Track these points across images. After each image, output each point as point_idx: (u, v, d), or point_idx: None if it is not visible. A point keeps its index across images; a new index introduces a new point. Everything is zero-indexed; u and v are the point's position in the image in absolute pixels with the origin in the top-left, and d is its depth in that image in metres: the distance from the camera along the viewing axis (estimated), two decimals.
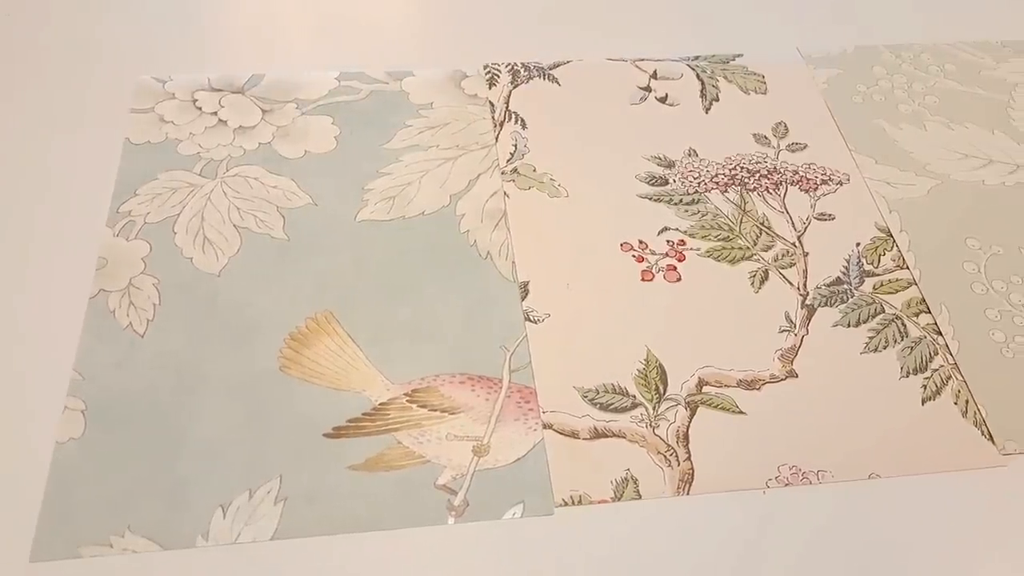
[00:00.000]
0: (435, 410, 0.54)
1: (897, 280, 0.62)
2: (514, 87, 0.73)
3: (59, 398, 0.53)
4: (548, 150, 0.69)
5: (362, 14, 0.80)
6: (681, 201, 0.66)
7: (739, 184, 0.67)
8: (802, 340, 0.59)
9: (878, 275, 0.62)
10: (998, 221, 0.67)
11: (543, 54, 0.77)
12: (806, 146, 0.71)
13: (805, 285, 0.62)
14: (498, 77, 0.74)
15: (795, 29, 0.81)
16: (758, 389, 0.56)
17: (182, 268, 0.59)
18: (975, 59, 0.79)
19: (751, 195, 0.67)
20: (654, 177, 0.67)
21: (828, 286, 0.62)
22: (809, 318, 0.60)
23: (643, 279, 0.61)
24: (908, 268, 0.63)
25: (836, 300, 0.61)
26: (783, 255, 0.63)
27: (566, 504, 0.51)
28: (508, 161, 0.68)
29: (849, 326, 0.60)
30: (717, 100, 0.74)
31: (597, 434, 0.54)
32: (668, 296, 0.61)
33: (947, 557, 0.50)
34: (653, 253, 0.63)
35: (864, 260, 0.63)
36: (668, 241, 0.64)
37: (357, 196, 0.64)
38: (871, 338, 0.59)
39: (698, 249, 0.63)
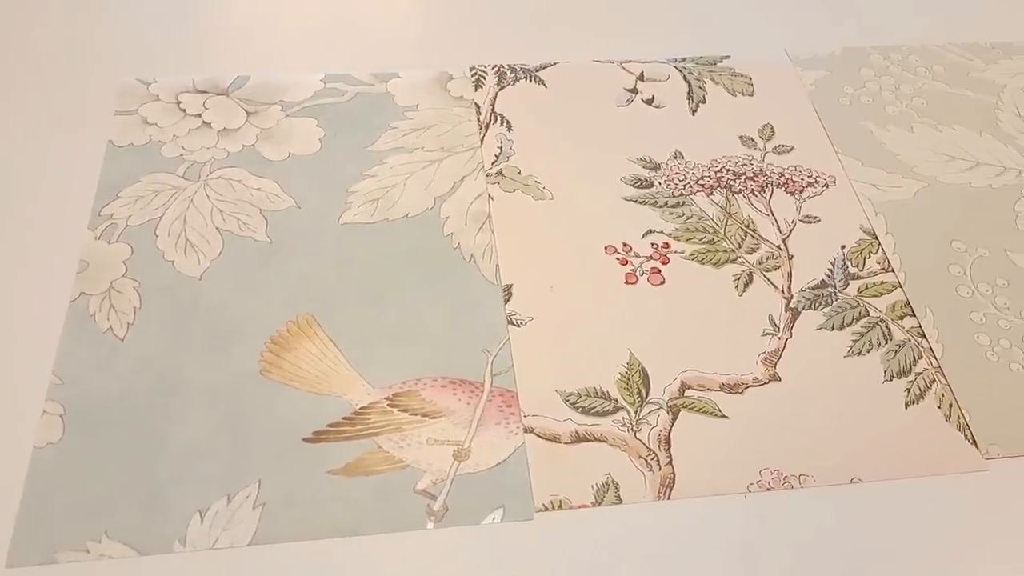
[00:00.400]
0: (416, 414, 0.54)
1: (882, 283, 0.62)
2: (500, 89, 0.73)
3: (38, 402, 0.52)
4: (534, 152, 0.69)
5: (350, 16, 0.80)
6: (666, 204, 0.66)
7: (725, 186, 0.67)
8: (786, 343, 0.58)
9: (863, 278, 0.62)
10: (984, 224, 0.66)
11: (530, 56, 0.76)
12: (792, 148, 0.70)
13: (789, 288, 0.61)
14: (484, 79, 0.74)
15: (784, 31, 0.81)
16: (741, 393, 0.56)
17: (163, 271, 0.59)
18: (964, 61, 0.79)
19: (736, 197, 0.67)
20: (639, 179, 0.67)
21: (812, 289, 0.61)
22: (793, 321, 0.60)
23: (627, 282, 0.61)
24: (893, 271, 0.63)
25: (820, 303, 0.61)
26: (768, 258, 0.63)
27: (546, 509, 0.50)
28: (493, 163, 0.68)
29: (833, 329, 0.59)
30: (704, 102, 0.74)
31: (578, 438, 0.53)
32: (652, 299, 0.60)
33: (930, 562, 0.50)
34: (637, 256, 0.62)
35: (849, 263, 0.63)
36: (653, 244, 0.63)
37: (341, 198, 0.64)
38: (855, 341, 0.59)
39: (682, 252, 0.63)
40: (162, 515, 0.49)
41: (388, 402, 0.54)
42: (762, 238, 0.64)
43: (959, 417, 0.56)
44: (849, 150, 0.71)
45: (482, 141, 0.69)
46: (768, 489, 0.52)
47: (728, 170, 0.68)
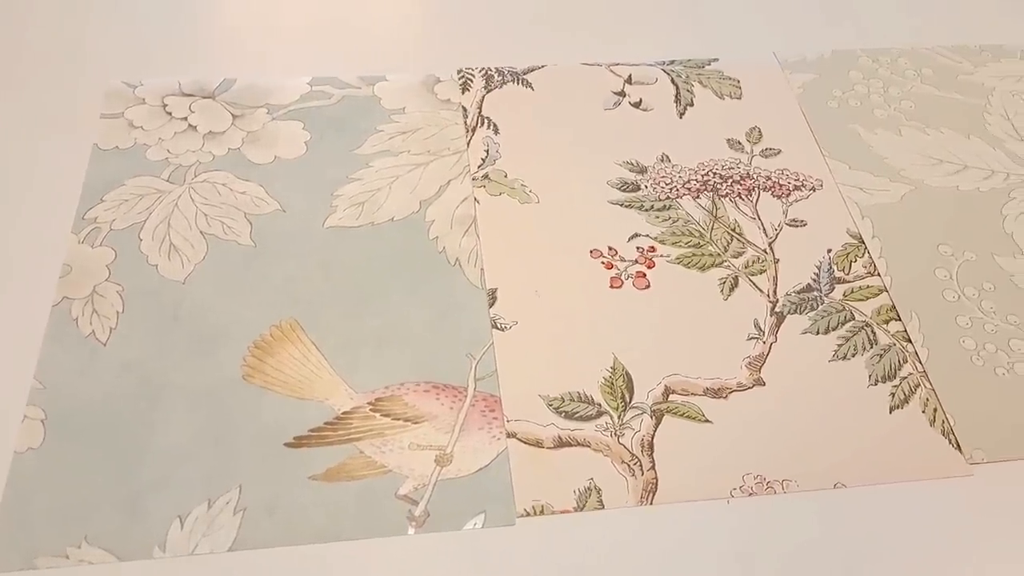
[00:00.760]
0: (398, 419, 0.54)
1: (868, 287, 0.62)
2: (487, 92, 0.73)
3: (19, 407, 0.52)
4: (520, 155, 0.69)
5: (338, 19, 0.79)
6: (652, 207, 0.66)
7: (711, 190, 0.67)
8: (770, 348, 0.58)
9: (849, 282, 0.62)
10: (971, 227, 0.66)
11: (518, 59, 0.76)
12: (780, 151, 0.70)
13: (775, 292, 0.61)
14: (472, 82, 0.74)
15: (773, 34, 0.81)
16: (725, 398, 0.56)
17: (147, 275, 0.59)
18: (953, 63, 0.79)
19: (723, 201, 0.66)
20: (626, 183, 0.67)
21: (798, 293, 0.61)
22: (778, 325, 0.59)
23: (612, 286, 0.61)
24: (879, 275, 0.63)
25: (806, 307, 0.61)
26: (753, 262, 0.63)
27: (528, 514, 0.50)
28: (479, 167, 0.67)
29: (818, 333, 0.59)
30: (692, 105, 0.73)
31: (561, 443, 0.53)
32: (637, 303, 0.60)
33: (914, 567, 0.50)
34: (623, 260, 0.62)
35: (835, 267, 0.63)
36: (638, 248, 0.63)
37: (326, 202, 0.64)
38: (840, 346, 0.59)
39: (668, 256, 0.63)
40: (142, 520, 0.49)
41: (371, 407, 0.54)
42: (748, 242, 0.64)
43: (944, 422, 0.55)
44: (836, 153, 0.70)
45: (468, 144, 0.69)
46: (751, 494, 0.52)
47: (715, 173, 0.68)
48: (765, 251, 0.64)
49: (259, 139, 0.68)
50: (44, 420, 0.52)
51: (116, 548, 0.48)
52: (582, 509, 0.51)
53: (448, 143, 0.69)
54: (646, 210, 0.65)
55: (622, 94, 0.74)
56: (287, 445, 0.52)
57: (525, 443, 0.53)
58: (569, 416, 0.54)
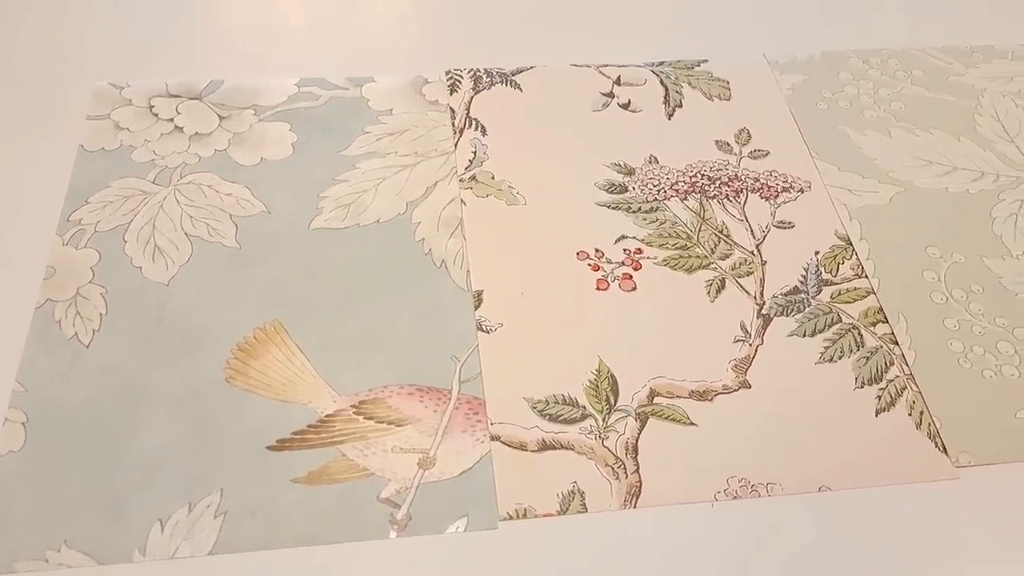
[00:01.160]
0: (382, 422, 0.53)
1: (855, 289, 0.62)
2: (476, 93, 0.73)
3: (0, 410, 0.52)
4: (507, 157, 0.68)
5: (327, 20, 0.79)
6: (640, 209, 0.65)
7: (699, 192, 0.67)
8: (756, 350, 0.58)
9: (836, 284, 0.62)
10: (960, 229, 0.66)
11: (508, 60, 0.76)
12: (768, 153, 0.70)
13: (762, 294, 0.61)
14: (460, 83, 0.73)
15: (763, 35, 0.81)
16: (710, 400, 0.56)
17: (131, 277, 0.59)
18: (944, 65, 0.79)
19: (711, 203, 0.66)
20: (613, 185, 0.67)
21: (785, 295, 0.61)
22: (765, 328, 0.59)
23: (598, 288, 0.61)
24: (867, 277, 0.62)
25: (793, 309, 0.60)
26: (741, 263, 0.63)
27: (511, 518, 0.50)
28: (467, 168, 0.67)
29: (805, 336, 0.59)
30: (680, 106, 0.73)
31: (545, 446, 0.53)
32: (623, 305, 0.60)
33: (899, 571, 0.50)
34: (609, 262, 0.62)
35: (822, 269, 0.63)
36: (625, 250, 0.63)
37: (312, 204, 0.64)
38: (826, 348, 0.58)
39: (655, 258, 0.63)
40: (122, 524, 0.48)
41: (354, 410, 0.54)
42: (735, 243, 0.64)
43: (930, 425, 0.55)
44: (825, 155, 0.70)
45: (456, 146, 0.69)
46: (736, 498, 0.52)
47: (703, 175, 0.68)
48: (752, 253, 0.63)
49: (246, 140, 0.67)
50: (25, 423, 0.52)
51: (96, 552, 0.47)
52: (565, 512, 0.51)
53: (435, 144, 0.69)
54: (633, 212, 0.65)
55: (611, 95, 0.74)
56: (269, 448, 0.52)
57: (509, 446, 0.53)
58: (553, 419, 0.54)
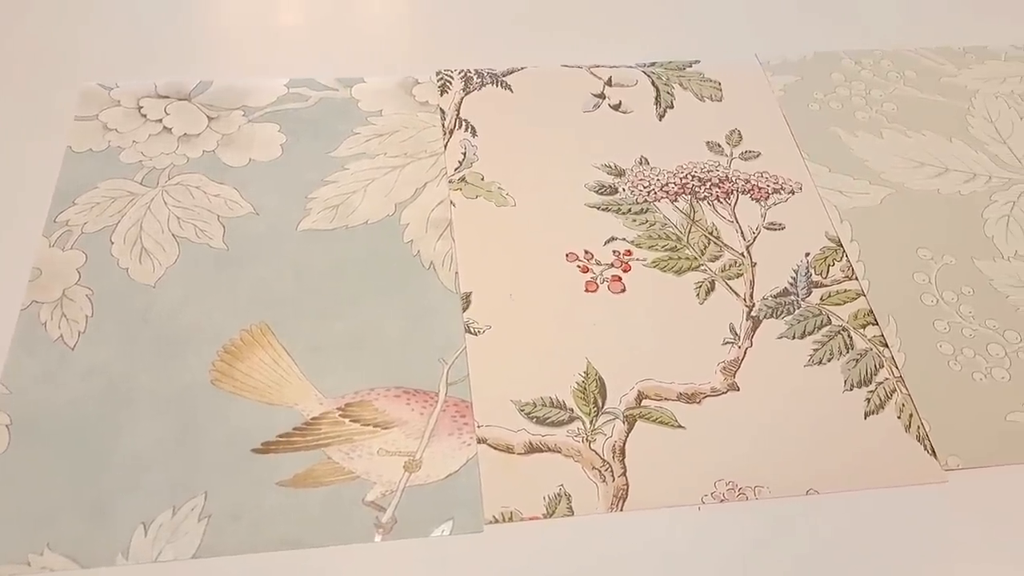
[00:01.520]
0: (368, 425, 0.53)
1: (845, 291, 0.61)
2: (466, 94, 0.73)
3: None
4: (497, 158, 0.68)
5: (319, 21, 0.79)
6: (630, 211, 0.65)
7: (690, 193, 0.67)
8: (745, 352, 0.58)
9: (826, 286, 0.62)
10: (951, 231, 0.66)
11: (500, 60, 0.76)
12: (759, 154, 0.70)
13: (751, 296, 0.61)
14: (450, 84, 0.73)
15: (755, 35, 0.80)
16: (698, 403, 0.55)
17: (117, 279, 0.58)
18: (936, 66, 0.79)
19: (701, 204, 0.66)
20: (603, 186, 0.67)
21: (775, 297, 0.61)
22: (754, 330, 0.59)
23: (587, 290, 0.61)
24: (857, 279, 0.62)
25: (782, 311, 0.60)
26: (730, 265, 0.62)
27: (496, 521, 0.50)
28: (456, 169, 0.67)
29: (794, 338, 0.59)
30: (671, 107, 0.73)
31: (532, 449, 0.53)
32: (611, 307, 0.60)
33: (886, 575, 0.49)
34: (598, 263, 0.62)
35: (813, 271, 0.62)
36: (614, 251, 0.63)
37: (300, 205, 0.64)
38: (816, 350, 0.58)
39: (644, 260, 0.62)
40: (106, 527, 0.48)
41: (340, 412, 0.54)
42: (725, 245, 0.64)
43: (919, 428, 0.55)
44: (816, 156, 0.70)
45: (446, 147, 0.69)
46: (722, 501, 0.51)
47: (694, 176, 0.68)
48: (742, 255, 0.63)
49: (234, 141, 0.67)
50: (9, 425, 0.51)
51: (79, 555, 0.47)
52: (551, 516, 0.50)
53: (425, 145, 0.68)
54: (623, 213, 0.65)
55: (602, 96, 0.73)
56: (254, 451, 0.52)
57: (495, 449, 0.53)
58: (540, 421, 0.54)
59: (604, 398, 0.55)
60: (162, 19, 0.77)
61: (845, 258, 0.63)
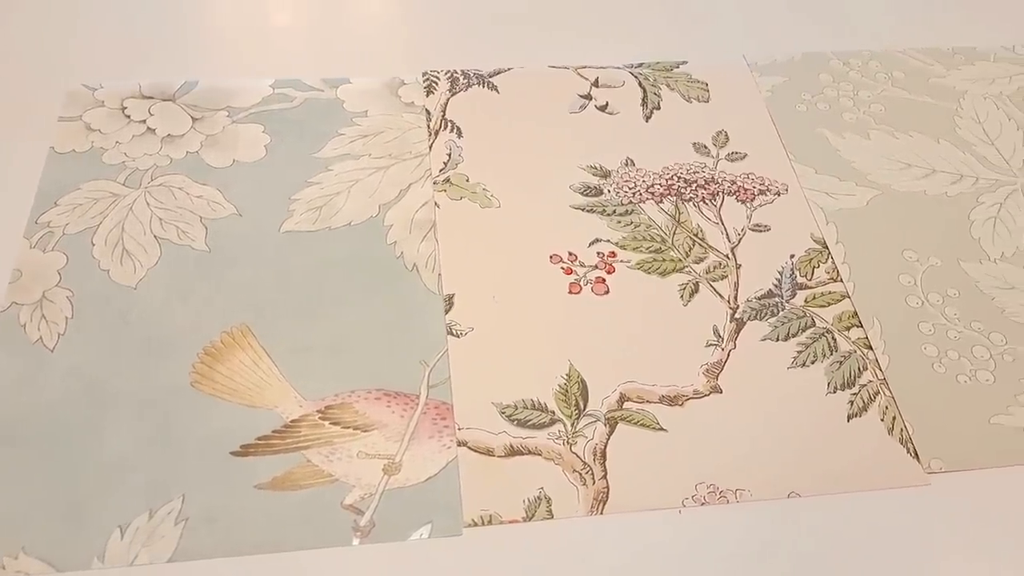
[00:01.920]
0: (348, 427, 0.53)
1: (830, 293, 0.61)
2: (452, 95, 0.72)
3: None
4: (483, 159, 0.68)
5: (306, 21, 0.79)
6: (615, 212, 0.65)
7: (675, 194, 0.66)
8: (729, 355, 0.58)
9: (811, 288, 0.61)
10: (937, 233, 0.65)
11: (486, 61, 0.75)
12: (746, 155, 0.69)
13: (736, 298, 0.60)
14: (436, 85, 0.73)
15: (744, 36, 0.80)
16: (681, 405, 0.55)
17: (98, 280, 0.58)
18: (925, 66, 0.78)
19: (686, 206, 0.66)
20: (588, 187, 0.66)
21: (759, 299, 0.60)
22: (738, 332, 0.59)
23: (571, 292, 0.60)
24: (842, 281, 0.62)
25: (766, 313, 0.60)
26: (715, 267, 0.62)
27: (475, 524, 0.50)
28: (441, 171, 0.67)
29: (778, 340, 0.59)
30: (658, 108, 0.73)
31: (512, 451, 0.53)
32: (595, 309, 0.59)
33: None
34: (582, 265, 0.62)
35: (798, 272, 0.62)
36: (599, 253, 0.62)
37: (283, 206, 0.63)
38: (799, 352, 0.58)
39: (628, 261, 0.62)
40: (82, 530, 0.48)
41: (320, 415, 0.53)
42: (710, 247, 0.63)
43: (902, 430, 0.55)
44: (803, 157, 0.70)
45: (431, 148, 0.68)
46: (703, 504, 0.51)
47: (679, 178, 0.67)
48: (727, 256, 0.63)
49: (218, 142, 0.67)
50: None
51: (54, 559, 0.47)
52: (531, 519, 0.50)
53: (410, 146, 0.68)
54: (608, 215, 0.65)
55: (588, 97, 0.73)
56: (233, 454, 0.51)
57: (476, 451, 0.52)
58: (522, 424, 0.54)
59: (586, 400, 0.55)
60: (149, 20, 0.77)
61: (830, 260, 0.63)
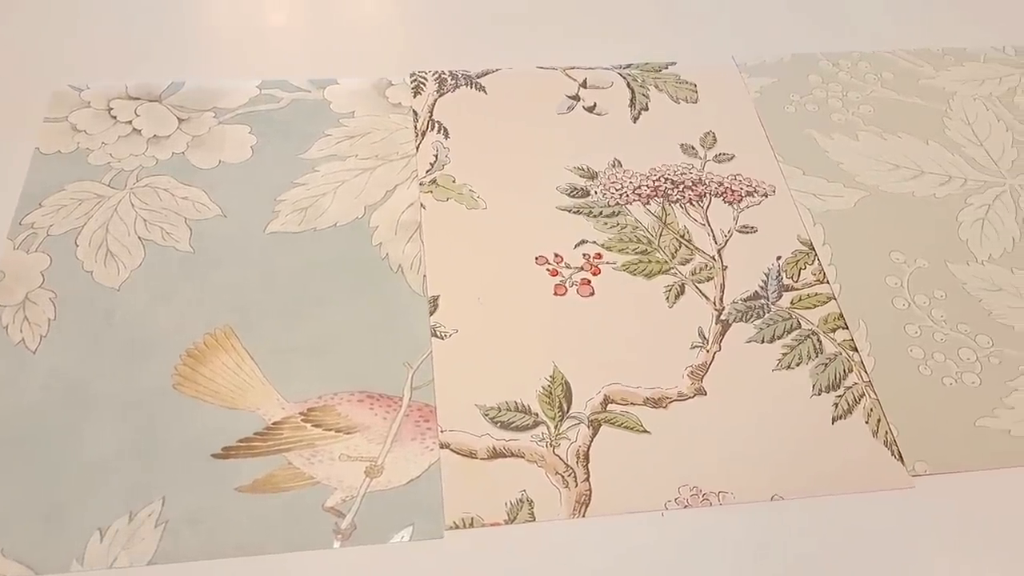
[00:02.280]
0: (330, 430, 0.53)
1: (816, 295, 0.61)
2: (440, 96, 0.72)
3: None
4: (469, 160, 0.68)
5: (294, 22, 0.79)
6: (601, 213, 0.65)
7: (662, 196, 0.66)
8: (714, 356, 0.57)
9: (797, 289, 0.61)
10: (925, 234, 0.65)
11: (475, 62, 0.75)
12: (733, 156, 0.69)
13: (721, 300, 0.60)
14: (424, 85, 0.73)
15: (734, 37, 0.80)
16: (665, 407, 0.55)
17: (81, 282, 0.58)
18: (914, 67, 0.78)
19: (673, 207, 0.65)
20: (575, 189, 0.66)
21: (745, 301, 0.60)
22: (723, 334, 0.59)
23: (556, 293, 0.60)
24: (828, 282, 0.62)
25: (752, 315, 0.60)
26: (701, 269, 0.62)
27: (457, 527, 0.49)
28: (427, 172, 0.67)
29: (763, 342, 0.58)
30: (646, 109, 0.73)
31: (495, 454, 0.52)
32: (580, 311, 0.59)
33: None
34: (568, 267, 0.61)
35: (784, 274, 0.62)
36: (584, 254, 0.62)
37: (268, 207, 0.63)
38: (784, 354, 0.58)
39: (614, 263, 0.62)
40: (62, 533, 0.48)
41: (302, 417, 0.53)
42: (697, 248, 0.63)
43: (887, 433, 0.55)
44: (791, 158, 0.70)
45: (418, 149, 0.68)
46: (686, 507, 0.51)
47: (666, 179, 0.67)
48: (713, 258, 0.63)
49: (204, 143, 0.67)
50: None
51: (33, 561, 0.47)
52: (513, 522, 0.50)
53: (397, 147, 0.68)
54: (594, 216, 0.65)
55: (576, 98, 0.73)
56: (214, 456, 0.51)
57: (458, 454, 0.52)
58: (505, 426, 0.53)
59: (570, 402, 0.55)
60: (136, 20, 0.77)
61: (817, 261, 0.63)
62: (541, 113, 0.72)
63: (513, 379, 0.56)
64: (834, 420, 0.55)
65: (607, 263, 0.62)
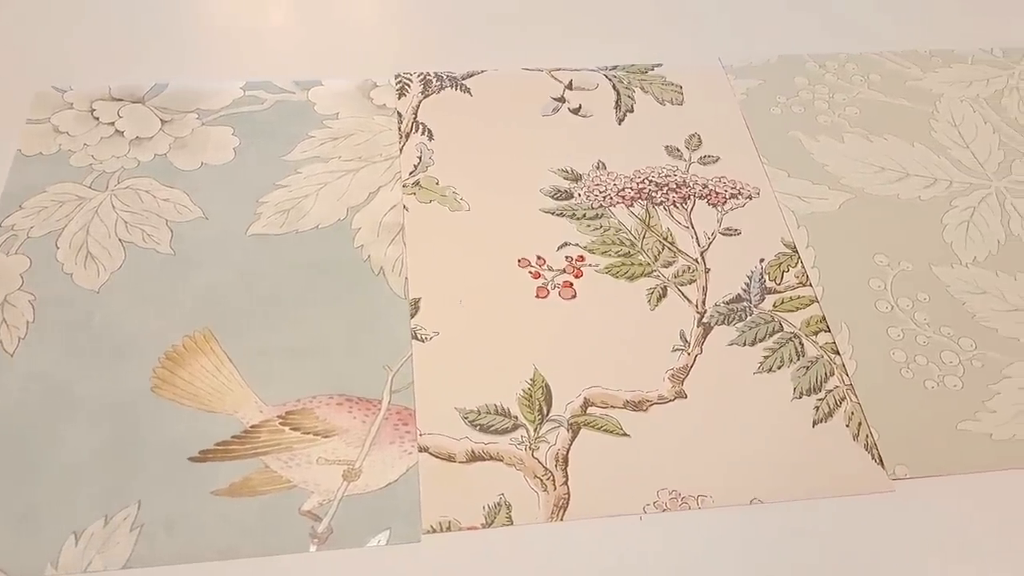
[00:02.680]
0: (308, 433, 0.52)
1: (799, 297, 0.61)
2: (424, 97, 0.72)
3: None
4: (453, 162, 0.67)
5: (278, 23, 0.78)
6: (584, 216, 0.65)
7: (646, 198, 0.66)
8: (695, 359, 0.57)
9: (780, 292, 0.61)
10: (909, 237, 0.65)
11: (461, 63, 0.75)
12: (718, 159, 0.69)
13: (704, 302, 0.60)
14: (409, 87, 0.73)
15: (720, 38, 0.80)
16: (645, 410, 0.55)
17: (61, 284, 0.58)
18: (901, 69, 0.78)
19: (657, 209, 0.65)
20: (559, 191, 0.66)
21: (727, 303, 0.60)
22: (705, 337, 0.58)
23: (538, 296, 0.60)
24: (811, 285, 0.61)
25: (734, 318, 0.59)
26: (684, 271, 0.62)
27: (434, 531, 0.49)
28: (411, 173, 0.66)
29: (745, 345, 0.58)
30: (632, 111, 0.72)
31: (474, 457, 0.52)
32: (562, 313, 0.59)
33: None
34: (550, 269, 0.61)
35: (767, 277, 0.62)
36: (567, 257, 0.62)
37: (250, 209, 0.63)
38: (766, 357, 0.58)
39: (596, 265, 0.62)
40: (36, 537, 0.47)
41: (280, 420, 0.53)
42: (680, 251, 0.63)
43: (867, 436, 0.54)
44: (776, 161, 0.69)
45: (401, 151, 0.68)
46: (665, 510, 0.51)
47: (651, 181, 0.67)
48: (696, 260, 0.62)
49: (187, 145, 0.67)
50: None
51: (7, 566, 0.47)
52: (490, 525, 0.50)
53: (381, 149, 0.68)
54: (578, 218, 0.64)
55: (561, 100, 0.73)
56: (191, 459, 0.51)
57: (437, 457, 0.52)
58: (484, 429, 0.53)
59: (549, 405, 0.54)
60: (119, 22, 0.77)
61: (800, 264, 0.63)
62: (526, 115, 0.71)
63: (493, 382, 0.55)
64: (815, 423, 0.55)
65: (590, 265, 0.62)
